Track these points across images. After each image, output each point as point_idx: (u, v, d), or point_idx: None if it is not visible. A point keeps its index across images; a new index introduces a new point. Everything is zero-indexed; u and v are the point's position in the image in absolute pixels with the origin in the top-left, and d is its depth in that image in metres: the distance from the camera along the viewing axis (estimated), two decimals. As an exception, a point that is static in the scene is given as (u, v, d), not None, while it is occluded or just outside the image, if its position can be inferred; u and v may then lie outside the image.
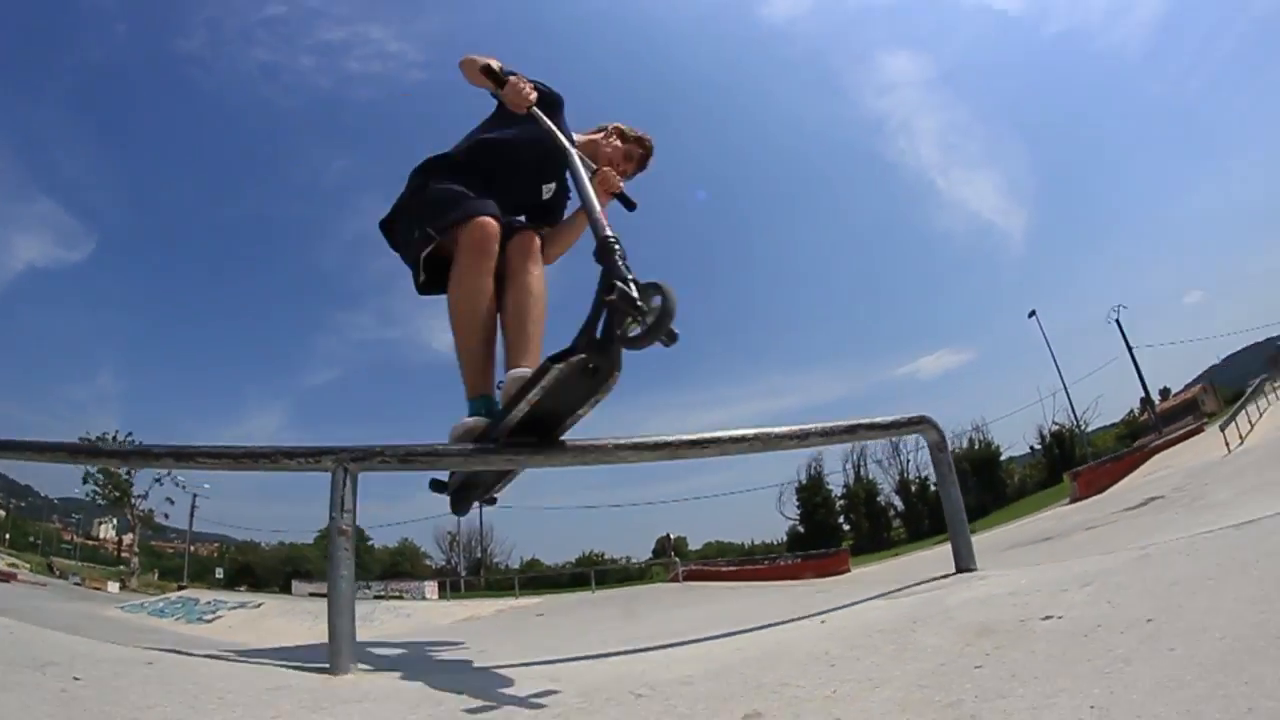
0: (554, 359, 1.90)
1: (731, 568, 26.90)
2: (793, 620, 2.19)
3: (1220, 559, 1.50)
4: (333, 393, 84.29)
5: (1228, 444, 16.41)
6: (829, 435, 2.48)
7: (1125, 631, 1.32)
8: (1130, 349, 42.74)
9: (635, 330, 1.77)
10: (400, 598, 28.77)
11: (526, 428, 2.07)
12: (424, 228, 2.36)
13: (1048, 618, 1.56)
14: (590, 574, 23.67)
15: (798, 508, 53.11)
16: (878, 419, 2.71)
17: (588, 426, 2.12)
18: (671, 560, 23.83)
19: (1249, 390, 24.37)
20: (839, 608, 2.36)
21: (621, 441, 2.20)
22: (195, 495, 43.17)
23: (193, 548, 47.42)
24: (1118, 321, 42.95)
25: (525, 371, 2.10)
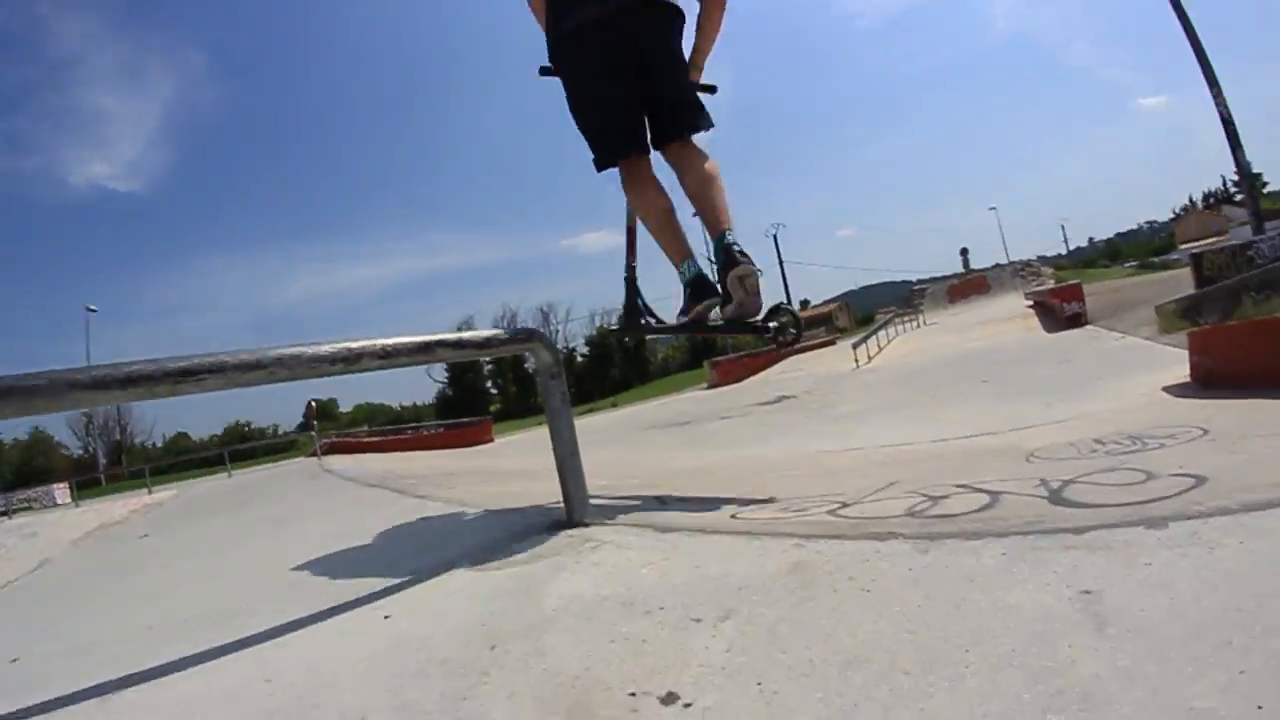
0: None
1: (375, 438, 25.41)
2: (357, 604, 1.60)
3: (911, 621, 1.01)
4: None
5: (857, 361, 17.98)
6: (391, 356, 1.62)
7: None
8: (781, 262, 50.17)
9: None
10: (30, 508, 23.60)
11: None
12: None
13: (630, 695, 0.97)
14: (225, 455, 20.76)
15: (446, 371, 52.55)
16: (469, 334, 2.00)
17: None
18: (311, 436, 21.82)
19: (883, 319, 28.03)
20: (418, 580, 1.71)
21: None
22: None
23: None
24: (774, 237, 49.79)
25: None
